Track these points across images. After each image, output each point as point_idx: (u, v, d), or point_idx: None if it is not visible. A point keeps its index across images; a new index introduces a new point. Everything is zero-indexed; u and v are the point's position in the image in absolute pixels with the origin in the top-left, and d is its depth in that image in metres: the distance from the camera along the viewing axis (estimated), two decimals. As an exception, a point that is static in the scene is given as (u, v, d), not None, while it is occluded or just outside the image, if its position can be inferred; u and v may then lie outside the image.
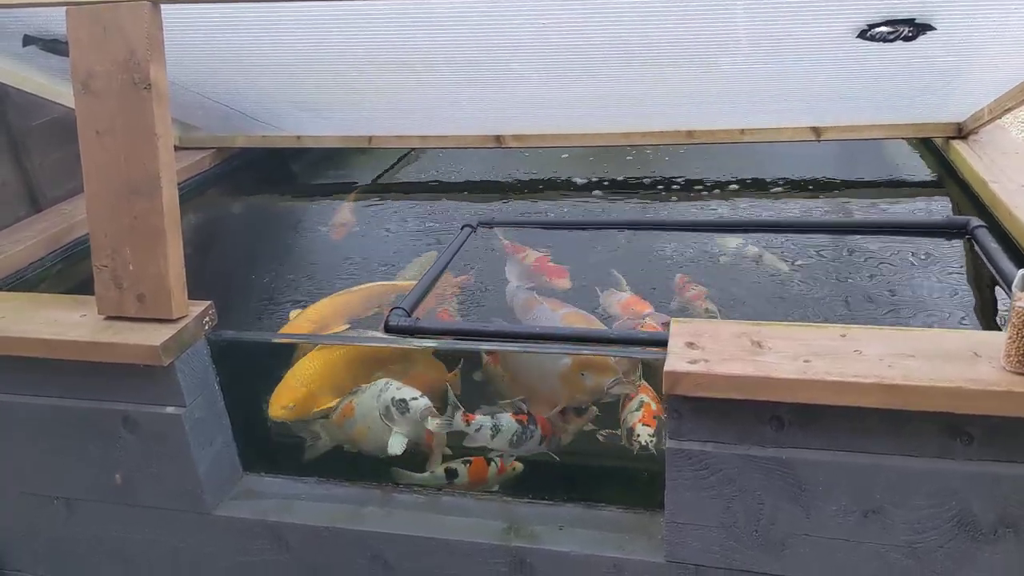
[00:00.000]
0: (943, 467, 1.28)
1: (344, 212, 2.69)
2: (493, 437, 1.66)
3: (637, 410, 1.62)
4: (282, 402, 1.73)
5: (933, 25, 1.52)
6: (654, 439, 1.55)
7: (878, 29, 1.55)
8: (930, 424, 1.26)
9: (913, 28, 1.52)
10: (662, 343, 1.44)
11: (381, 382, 1.74)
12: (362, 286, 2.06)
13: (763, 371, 1.27)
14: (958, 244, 1.96)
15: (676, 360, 1.32)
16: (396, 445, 1.67)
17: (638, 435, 1.56)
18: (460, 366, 1.81)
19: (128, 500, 1.73)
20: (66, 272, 2.18)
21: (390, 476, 1.75)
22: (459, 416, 1.65)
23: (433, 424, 1.65)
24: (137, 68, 1.51)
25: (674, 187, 2.66)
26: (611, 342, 1.54)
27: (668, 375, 1.30)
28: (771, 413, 1.32)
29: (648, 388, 1.67)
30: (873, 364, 1.26)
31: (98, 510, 1.77)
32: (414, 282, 1.85)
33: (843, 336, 1.35)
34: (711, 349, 1.34)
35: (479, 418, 1.66)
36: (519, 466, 1.77)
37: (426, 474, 1.74)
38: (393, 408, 1.68)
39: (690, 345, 1.36)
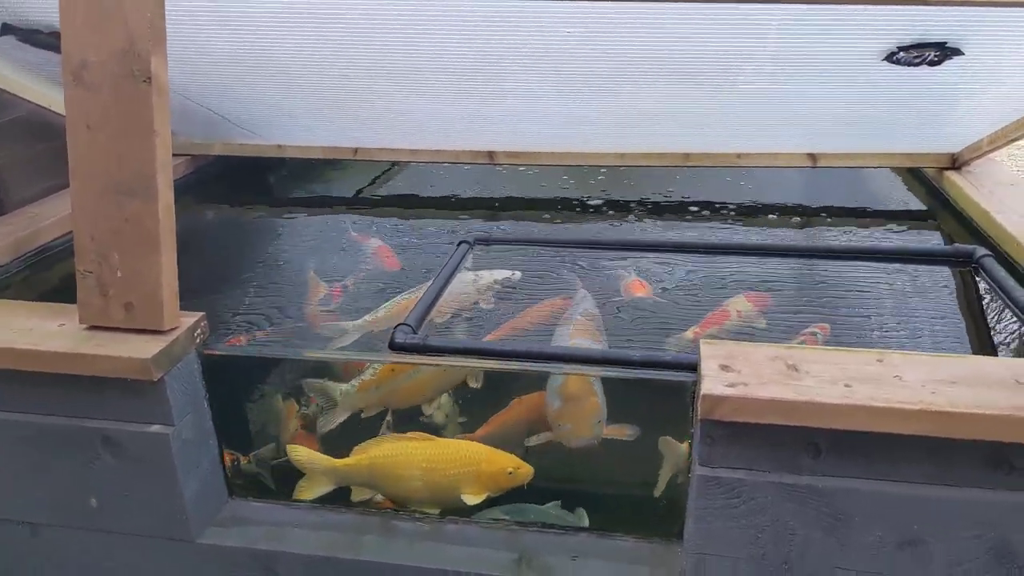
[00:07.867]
0: (982, 497, 1.25)
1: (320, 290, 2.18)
2: None
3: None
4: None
5: (962, 50, 1.52)
6: None
7: (902, 54, 1.53)
8: (972, 453, 1.22)
9: (940, 53, 1.51)
10: (691, 367, 1.39)
11: None
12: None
13: (805, 396, 1.22)
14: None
15: (713, 383, 1.26)
16: None
17: None
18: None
19: (104, 526, 1.59)
20: (32, 280, 2.02)
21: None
22: None
23: None
24: (137, 59, 1.40)
25: (667, 208, 2.63)
26: (636, 365, 1.48)
27: (705, 399, 1.24)
28: (808, 440, 1.27)
29: None
30: (916, 390, 1.22)
31: (69, 537, 1.62)
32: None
33: (880, 361, 1.31)
34: (747, 372, 1.29)
35: None
36: None
37: None
38: None
39: (725, 368, 1.30)
